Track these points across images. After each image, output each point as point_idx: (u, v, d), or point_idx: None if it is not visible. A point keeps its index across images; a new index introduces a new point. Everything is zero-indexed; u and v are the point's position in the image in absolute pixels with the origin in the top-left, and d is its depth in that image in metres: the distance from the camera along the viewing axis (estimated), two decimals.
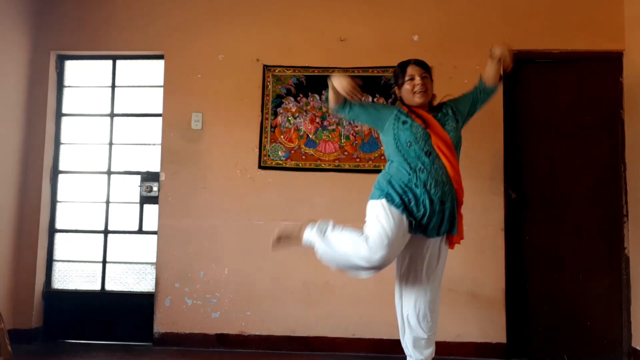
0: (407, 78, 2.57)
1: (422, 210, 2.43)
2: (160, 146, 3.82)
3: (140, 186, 3.86)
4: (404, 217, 2.42)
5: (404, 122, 2.52)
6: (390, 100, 3.67)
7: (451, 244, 2.60)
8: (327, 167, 3.68)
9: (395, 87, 2.67)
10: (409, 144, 2.49)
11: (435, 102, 2.67)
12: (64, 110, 4.01)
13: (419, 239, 2.53)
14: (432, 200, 2.43)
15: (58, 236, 3.93)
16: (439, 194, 2.44)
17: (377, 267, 2.42)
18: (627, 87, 3.60)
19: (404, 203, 2.43)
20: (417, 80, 2.56)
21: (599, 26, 3.63)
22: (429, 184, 2.44)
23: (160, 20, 3.87)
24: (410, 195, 2.44)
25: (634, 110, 3.52)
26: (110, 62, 4.01)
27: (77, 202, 3.96)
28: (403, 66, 2.61)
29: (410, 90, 2.57)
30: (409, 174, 2.47)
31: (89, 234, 3.92)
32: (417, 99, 2.56)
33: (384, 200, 2.45)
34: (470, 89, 2.71)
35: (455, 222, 2.52)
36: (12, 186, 3.72)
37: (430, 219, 2.44)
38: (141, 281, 3.88)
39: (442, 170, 2.47)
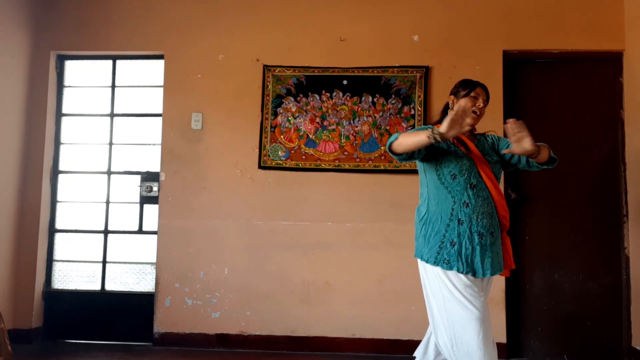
0: (472, 95, 2.41)
1: (469, 248, 2.31)
2: (160, 146, 3.82)
3: (140, 186, 3.86)
4: (460, 271, 2.30)
5: (447, 152, 2.35)
6: (393, 100, 3.67)
7: (506, 270, 2.46)
8: (327, 167, 3.68)
9: (452, 97, 2.47)
10: (453, 176, 2.35)
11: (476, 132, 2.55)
12: (64, 110, 4.01)
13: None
14: (481, 234, 2.32)
15: (58, 236, 3.93)
16: (487, 226, 2.32)
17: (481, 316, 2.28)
18: (627, 87, 3.60)
19: (448, 258, 2.30)
20: (481, 102, 2.40)
21: (599, 26, 3.64)
22: (475, 217, 2.32)
23: (160, 20, 3.88)
24: (454, 238, 2.31)
25: (634, 110, 3.53)
26: (110, 62, 4.01)
27: (77, 202, 3.96)
28: (472, 83, 2.47)
29: (468, 107, 2.35)
30: (452, 210, 2.33)
31: (89, 234, 3.92)
32: (470, 120, 2.25)
33: (433, 267, 2.33)
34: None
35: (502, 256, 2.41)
36: (12, 186, 3.72)
37: (483, 254, 2.32)
38: (141, 281, 3.88)
39: (487, 201, 2.34)
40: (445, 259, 2.32)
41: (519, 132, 2.14)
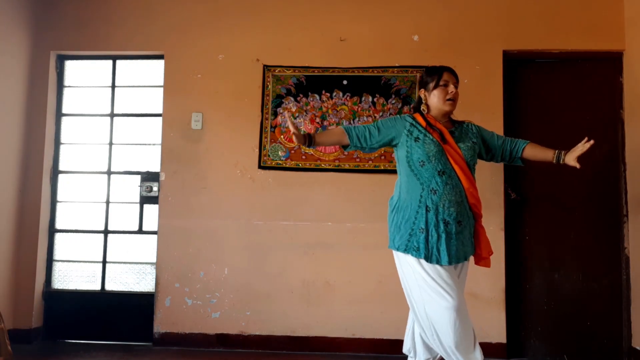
0: (441, 83, 2.47)
1: (434, 236, 2.35)
2: (160, 146, 3.82)
3: (140, 186, 3.86)
4: (427, 260, 2.35)
5: (417, 139, 2.43)
6: (393, 100, 3.67)
7: (480, 260, 2.50)
8: (327, 167, 3.68)
9: (422, 91, 2.54)
10: (421, 163, 2.41)
11: (455, 117, 2.60)
12: (64, 110, 4.01)
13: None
14: (447, 222, 2.36)
15: (58, 236, 3.93)
16: (454, 214, 2.36)
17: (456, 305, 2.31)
18: (627, 87, 3.60)
19: (418, 245, 2.36)
20: (452, 87, 2.47)
21: (599, 26, 3.63)
22: (442, 204, 2.36)
23: (160, 20, 3.88)
24: (422, 225, 2.37)
25: (634, 110, 3.52)
26: (110, 62, 4.01)
27: (77, 202, 3.96)
28: (438, 70, 2.50)
29: (442, 97, 2.47)
30: (420, 197, 2.39)
31: (89, 234, 3.92)
32: (447, 107, 2.47)
33: (405, 255, 2.40)
34: (504, 138, 2.63)
35: (474, 241, 2.45)
36: (12, 186, 3.72)
37: (449, 242, 2.35)
38: (141, 281, 3.88)
39: (455, 189, 2.38)
40: (415, 246, 2.36)
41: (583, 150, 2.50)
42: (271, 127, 3.74)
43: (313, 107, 3.73)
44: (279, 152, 3.71)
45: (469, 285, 3.50)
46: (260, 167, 3.72)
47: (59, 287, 3.90)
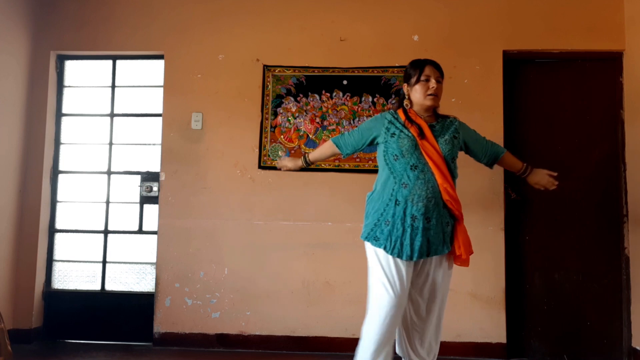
0: (422, 78, 2.46)
1: (399, 229, 2.36)
2: (160, 146, 3.82)
3: (140, 186, 3.86)
4: (387, 252, 2.37)
5: (393, 135, 2.45)
6: (393, 100, 3.67)
7: (457, 260, 2.47)
8: (327, 167, 3.68)
9: (405, 85, 2.55)
10: (395, 157, 2.43)
11: (440, 111, 2.60)
12: (64, 110, 4.01)
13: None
14: (414, 217, 2.36)
15: (58, 236, 3.93)
16: (422, 210, 2.36)
17: (398, 301, 2.36)
18: (627, 87, 3.60)
19: (379, 235, 2.40)
20: (433, 83, 2.45)
21: (599, 26, 3.63)
22: (411, 199, 2.37)
23: (160, 20, 3.88)
24: (389, 217, 2.39)
25: (634, 110, 3.52)
26: (110, 62, 4.01)
27: (77, 202, 3.96)
28: (420, 65, 2.49)
29: (423, 92, 2.46)
30: (392, 190, 2.41)
31: (88, 234, 3.92)
32: (429, 102, 2.47)
33: (371, 246, 2.44)
34: (485, 140, 2.67)
35: (448, 239, 2.43)
36: (12, 186, 3.72)
37: (413, 237, 2.36)
38: (141, 281, 3.88)
39: (427, 184, 2.38)
40: (376, 236, 2.40)
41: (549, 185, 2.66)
42: (271, 127, 3.74)
43: (313, 107, 3.73)
44: (279, 152, 3.71)
45: (470, 285, 3.53)
46: (260, 167, 3.72)
47: (59, 287, 3.90)
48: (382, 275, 2.37)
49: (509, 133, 3.64)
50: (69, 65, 4.04)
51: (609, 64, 3.68)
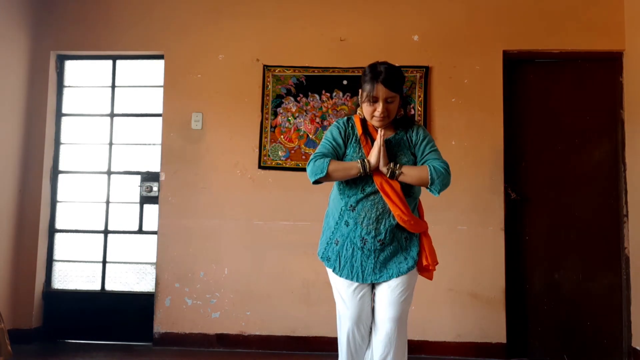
0: (370, 99, 2.16)
1: (349, 250, 2.24)
2: (160, 146, 3.82)
3: (140, 186, 3.86)
4: (336, 273, 2.28)
5: (347, 149, 2.25)
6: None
7: (422, 271, 2.29)
8: None
9: (360, 91, 2.23)
10: None
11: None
12: (64, 110, 4.00)
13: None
14: (364, 240, 2.21)
15: (58, 236, 3.93)
16: (372, 233, 2.19)
17: (355, 324, 2.36)
18: (627, 87, 3.60)
19: (330, 255, 2.30)
20: (380, 108, 2.15)
21: (599, 26, 3.64)
22: (360, 222, 2.21)
23: (160, 20, 3.88)
24: (339, 237, 2.26)
25: (634, 110, 3.52)
26: (110, 62, 4.01)
27: (77, 202, 3.96)
28: (370, 80, 2.15)
29: (369, 113, 2.20)
30: (341, 210, 2.26)
31: (88, 234, 3.92)
32: (375, 123, 2.21)
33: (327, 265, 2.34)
34: (427, 156, 2.24)
35: (411, 253, 2.24)
36: (12, 186, 3.72)
37: (365, 259, 2.22)
38: (141, 281, 3.88)
39: (377, 206, 2.19)
40: (328, 256, 2.32)
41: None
42: (271, 127, 3.74)
43: (313, 107, 3.73)
44: (279, 152, 3.71)
45: (470, 285, 3.53)
46: (260, 167, 3.72)
47: (59, 287, 3.90)
48: (337, 293, 2.35)
49: (509, 133, 3.64)
50: (69, 65, 4.04)
51: (609, 64, 3.68)
